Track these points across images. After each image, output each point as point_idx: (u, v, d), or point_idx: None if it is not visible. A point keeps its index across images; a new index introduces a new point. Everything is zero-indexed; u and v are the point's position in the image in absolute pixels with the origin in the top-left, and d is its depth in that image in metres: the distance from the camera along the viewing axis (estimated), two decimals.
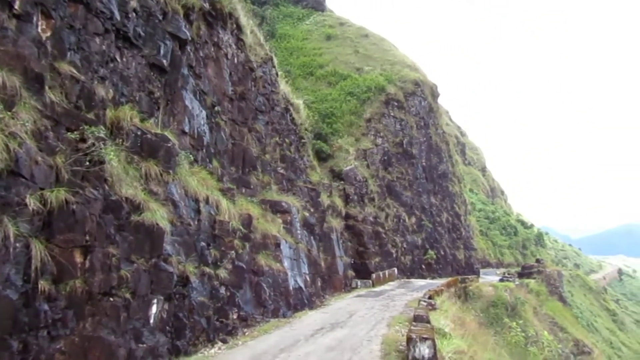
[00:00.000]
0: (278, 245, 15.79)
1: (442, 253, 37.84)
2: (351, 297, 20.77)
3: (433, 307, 15.45)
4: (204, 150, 13.91)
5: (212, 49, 15.54)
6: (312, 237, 20.73)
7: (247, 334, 12.11)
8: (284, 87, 23.64)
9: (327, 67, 40.89)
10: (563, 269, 63.46)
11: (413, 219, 35.09)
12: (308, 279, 18.46)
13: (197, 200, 11.71)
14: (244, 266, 13.31)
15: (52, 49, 8.27)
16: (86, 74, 9.06)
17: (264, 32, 27.83)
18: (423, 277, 33.07)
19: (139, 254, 8.84)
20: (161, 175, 10.24)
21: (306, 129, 26.51)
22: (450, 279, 27.87)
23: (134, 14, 10.90)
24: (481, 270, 44.94)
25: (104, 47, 9.76)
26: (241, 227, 13.62)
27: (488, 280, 33.67)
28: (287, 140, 22.17)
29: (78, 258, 7.52)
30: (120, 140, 9.52)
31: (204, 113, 14.14)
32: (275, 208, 17.56)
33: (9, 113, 6.88)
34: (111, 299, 7.97)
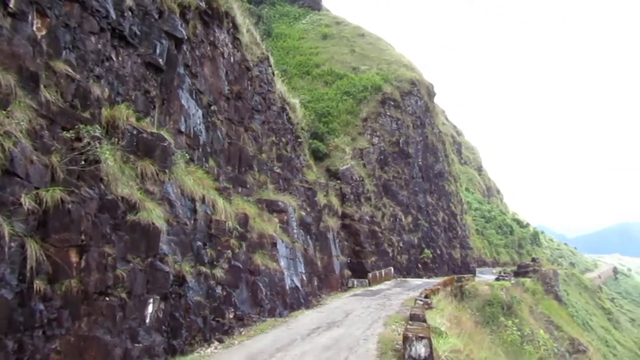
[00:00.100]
0: (274, 244, 15.78)
1: (439, 252, 37.90)
2: (347, 297, 20.78)
3: (429, 306, 15.47)
4: (200, 150, 13.89)
5: (209, 48, 15.51)
6: (308, 237, 20.73)
7: (243, 333, 12.09)
8: (280, 86, 23.63)
9: (324, 66, 40.85)
10: (559, 268, 63.73)
11: (409, 218, 35.13)
12: (304, 278, 18.47)
13: (193, 200, 11.69)
14: (241, 266, 13.29)
15: (48, 48, 8.24)
16: (82, 73, 9.03)
17: (260, 31, 27.82)
18: (419, 276, 33.12)
19: (134, 253, 8.81)
20: (157, 174, 10.22)
21: (302, 129, 26.51)
22: (446, 278, 27.94)
23: (130, 13, 10.87)
24: (477, 269, 45.05)
25: (99, 46, 9.73)
26: (237, 227, 13.61)
27: (484, 279, 33.75)
28: (283, 139, 22.16)
29: (73, 257, 7.50)
30: (116, 139, 9.49)
31: (200, 112, 14.12)
32: (272, 207, 17.55)
33: (3, 112, 6.85)
34: (107, 299, 7.95)
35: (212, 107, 15.20)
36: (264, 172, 18.83)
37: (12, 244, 6.47)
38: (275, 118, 21.66)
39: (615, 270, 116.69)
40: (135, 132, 9.99)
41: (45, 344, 6.89)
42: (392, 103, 37.42)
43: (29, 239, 6.75)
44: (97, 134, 8.40)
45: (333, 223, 25.10)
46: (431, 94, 46.16)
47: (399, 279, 29.56)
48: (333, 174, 28.99)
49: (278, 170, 20.36)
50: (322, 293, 20.75)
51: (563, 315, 36.82)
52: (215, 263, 12.13)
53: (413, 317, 11.30)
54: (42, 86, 7.77)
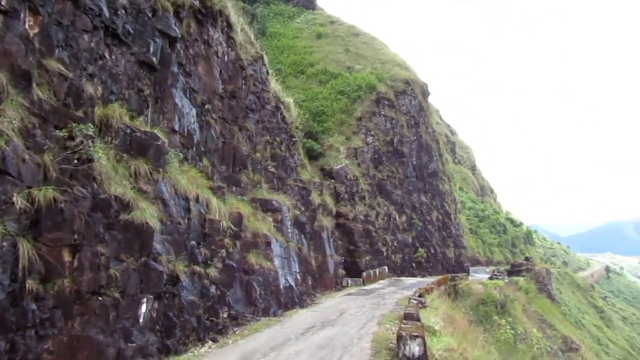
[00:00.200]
0: (269, 244, 15.76)
1: (432, 251, 38.01)
2: (342, 296, 20.80)
3: (423, 305, 15.50)
4: (194, 149, 13.84)
5: (203, 47, 15.46)
6: (302, 236, 20.73)
7: (237, 332, 12.07)
8: (274, 85, 23.59)
9: (318, 65, 40.86)
10: (552, 267, 64.07)
11: (403, 218, 35.21)
12: (299, 277, 18.46)
13: (187, 199, 11.65)
14: (235, 265, 13.27)
15: (40, 46, 8.18)
16: (74, 71, 8.97)
17: (255, 30, 27.76)
18: (413, 275, 33.19)
19: (128, 252, 8.77)
20: (151, 173, 10.18)
21: (297, 128, 26.49)
22: (440, 277, 28.01)
23: (123, 11, 10.81)
24: (471, 269, 45.22)
25: (92, 44, 9.67)
26: (231, 226, 13.58)
27: (478, 278, 33.87)
28: (277, 138, 22.14)
29: (66, 257, 7.46)
30: (109, 138, 9.45)
31: (194, 111, 14.07)
32: (266, 207, 17.52)
33: None
34: (100, 298, 7.91)
35: (206, 106, 15.16)
36: (258, 171, 18.80)
37: (4, 244, 6.42)
38: (270, 117, 21.63)
39: (607, 269, 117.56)
40: (128, 131, 9.94)
41: (37, 344, 6.85)
42: (387, 102, 37.49)
43: (21, 239, 6.70)
44: (90, 132, 8.35)
45: (327, 222, 25.11)
46: (425, 94, 46.30)
47: (393, 278, 29.61)
48: (327, 173, 29.01)
49: (272, 170, 20.34)
50: (317, 292, 20.75)
51: (556, 313, 37.04)
52: (209, 262, 12.10)
53: (407, 316, 11.34)
54: (34, 84, 7.72)
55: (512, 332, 20.13)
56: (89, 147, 8.16)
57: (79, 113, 8.65)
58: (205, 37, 15.68)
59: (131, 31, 11.08)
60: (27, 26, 7.96)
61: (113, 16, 10.37)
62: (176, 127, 12.90)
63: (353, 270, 26.26)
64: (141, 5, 11.49)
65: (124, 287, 8.43)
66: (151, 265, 9.21)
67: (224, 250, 12.85)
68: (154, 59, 11.75)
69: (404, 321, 10.69)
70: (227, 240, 13.11)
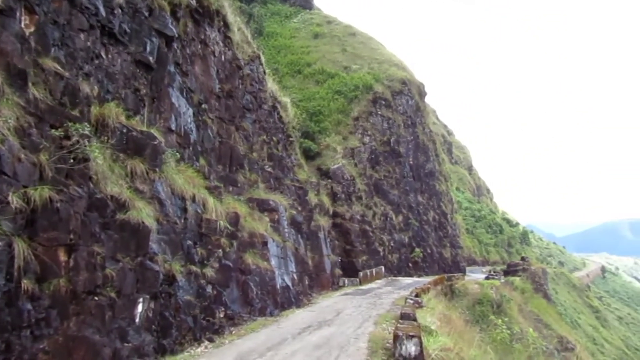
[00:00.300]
0: (265, 243, 15.75)
1: (429, 251, 38.06)
2: (338, 296, 20.81)
3: (419, 305, 15.52)
4: (191, 148, 13.82)
5: (199, 47, 15.44)
6: (299, 236, 20.73)
7: (234, 332, 12.06)
8: (271, 85, 23.58)
9: (315, 65, 40.83)
10: (548, 267, 64.27)
11: (400, 218, 35.24)
12: (295, 277, 18.46)
13: (183, 199, 11.63)
14: (231, 265, 13.25)
15: (36, 45, 8.15)
16: (71, 70, 8.95)
17: (252, 29, 27.71)
18: (410, 275, 33.23)
19: (124, 252, 8.75)
20: (147, 173, 10.15)
21: (294, 128, 26.48)
22: (436, 277, 28.03)
23: (120, 10, 10.79)
24: (467, 268, 45.31)
25: (88, 44, 9.64)
26: (228, 226, 13.56)
27: (474, 278, 33.95)
28: (274, 138, 22.12)
29: (62, 257, 7.44)
30: (106, 137, 9.42)
31: (190, 111, 14.05)
32: (263, 206, 17.51)
33: None
34: (96, 298, 7.89)
35: (203, 106, 15.14)
36: (255, 171, 18.79)
37: (0, 243, 6.40)
38: (267, 117, 21.62)
39: (603, 269, 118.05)
40: (125, 131, 9.91)
41: (33, 344, 6.83)
42: (383, 102, 37.50)
43: (16, 238, 6.68)
44: (86, 132, 8.33)
45: (324, 222, 25.12)
46: (422, 94, 46.34)
47: (389, 278, 29.65)
48: (324, 173, 29.01)
49: (269, 169, 20.32)
50: (313, 292, 20.76)
51: (552, 313, 37.14)
52: (205, 262, 12.09)
53: (403, 316, 11.34)
54: (30, 84, 7.69)
55: (508, 331, 20.16)
56: (85, 146, 8.13)
57: (75, 112, 8.62)
58: (202, 37, 15.65)
59: (128, 30, 11.05)
60: (23, 25, 7.93)
61: (109, 15, 10.35)
62: (173, 127, 12.87)
63: (350, 270, 26.28)
64: (138, 5, 11.47)
65: (120, 287, 8.41)
66: (147, 265, 9.19)
67: (220, 250, 12.84)
68: (150, 58, 11.73)
69: (400, 321, 10.70)
70: (223, 240, 13.09)
